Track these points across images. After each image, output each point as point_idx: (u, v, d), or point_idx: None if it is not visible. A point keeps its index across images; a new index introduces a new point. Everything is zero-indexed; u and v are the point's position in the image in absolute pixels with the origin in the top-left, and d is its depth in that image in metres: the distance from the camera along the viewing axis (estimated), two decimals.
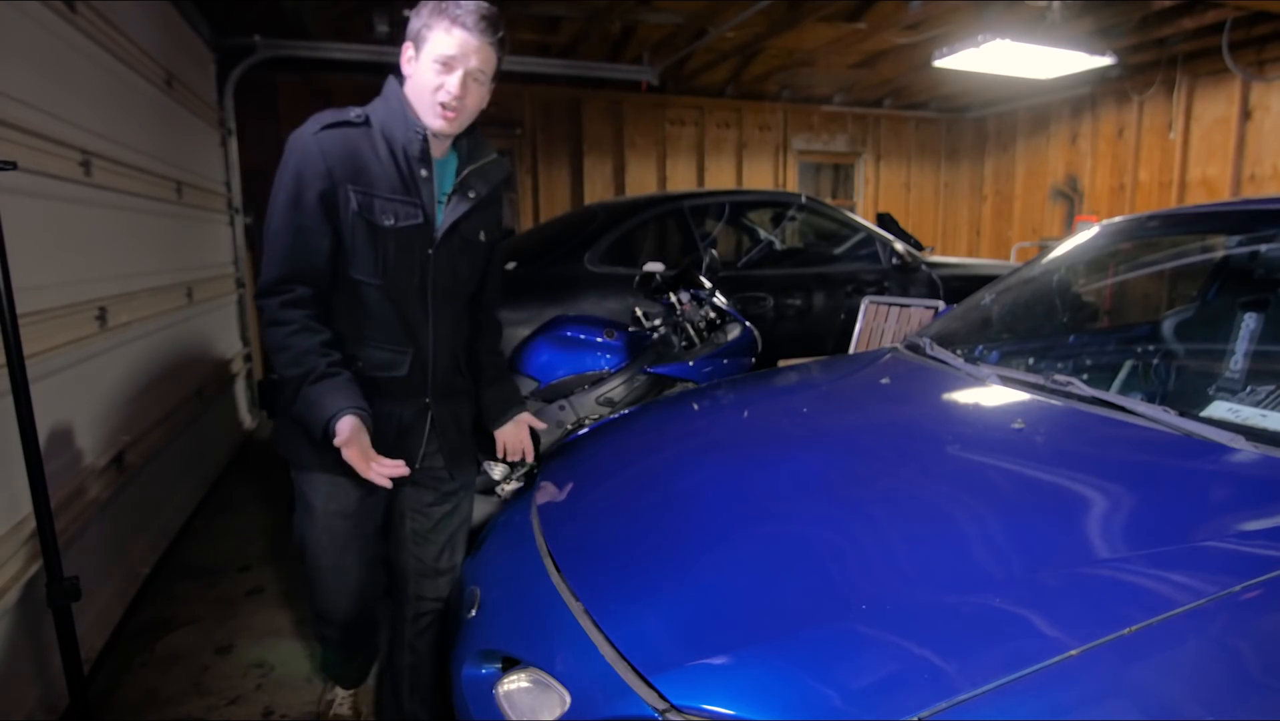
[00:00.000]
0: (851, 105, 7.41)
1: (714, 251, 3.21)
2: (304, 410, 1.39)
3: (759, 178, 7.20)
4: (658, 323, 2.86)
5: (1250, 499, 1.24)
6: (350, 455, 1.36)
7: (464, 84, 1.42)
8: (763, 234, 4.71)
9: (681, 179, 6.89)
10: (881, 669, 0.93)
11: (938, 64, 4.71)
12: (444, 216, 1.52)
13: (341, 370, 1.42)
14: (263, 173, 5.26)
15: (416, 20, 1.43)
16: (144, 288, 2.95)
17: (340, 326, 1.49)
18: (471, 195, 1.54)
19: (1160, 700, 0.87)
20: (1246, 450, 1.33)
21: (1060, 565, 1.07)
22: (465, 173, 1.54)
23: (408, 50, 1.45)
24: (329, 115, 1.45)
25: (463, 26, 1.39)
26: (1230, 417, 1.52)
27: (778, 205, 4.74)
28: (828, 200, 6.27)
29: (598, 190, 6.58)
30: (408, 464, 1.44)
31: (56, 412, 2.15)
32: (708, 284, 2.85)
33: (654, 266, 2.99)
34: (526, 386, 2.80)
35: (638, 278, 2.94)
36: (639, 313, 2.91)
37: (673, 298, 2.83)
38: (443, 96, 1.41)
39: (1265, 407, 1.58)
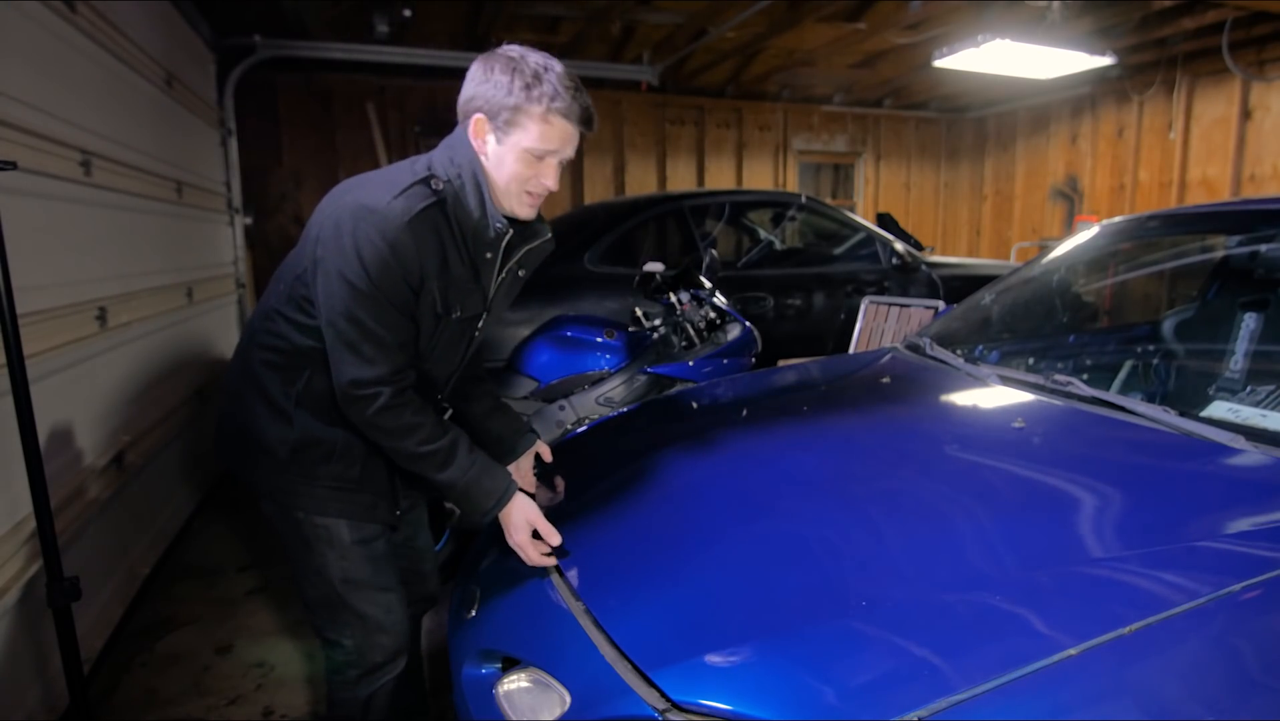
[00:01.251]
0: (851, 105, 7.41)
1: (714, 251, 3.20)
2: (472, 479, 1.35)
3: (759, 178, 7.19)
4: (658, 323, 2.86)
5: (1250, 499, 1.25)
6: (523, 540, 1.35)
7: (557, 173, 1.31)
8: (763, 234, 4.72)
9: (681, 179, 6.89)
10: (880, 666, 0.93)
11: (938, 64, 4.71)
12: (495, 296, 1.44)
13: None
14: (263, 173, 5.31)
15: (495, 91, 1.23)
16: (144, 288, 2.95)
17: None
18: (521, 274, 1.47)
19: (1160, 700, 0.87)
20: (1247, 450, 1.34)
21: (1059, 564, 1.07)
22: (523, 252, 1.44)
23: (481, 125, 1.26)
24: (419, 197, 1.24)
25: (564, 117, 1.24)
26: (1230, 417, 1.53)
27: (778, 205, 4.74)
28: (828, 200, 6.27)
29: (598, 190, 6.57)
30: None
31: (56, 412, 2.15)
32: (708, 284, 2.85)
33: (654, 266, 2.99)
34: (526, 386, 2.80)
35: (638, 278, 2.94)
36: (639, 313, 2.91)
37: (673, 298, 2.83)
38: (534, 187, 1.30)
39: (1265, 407, 1.58)
